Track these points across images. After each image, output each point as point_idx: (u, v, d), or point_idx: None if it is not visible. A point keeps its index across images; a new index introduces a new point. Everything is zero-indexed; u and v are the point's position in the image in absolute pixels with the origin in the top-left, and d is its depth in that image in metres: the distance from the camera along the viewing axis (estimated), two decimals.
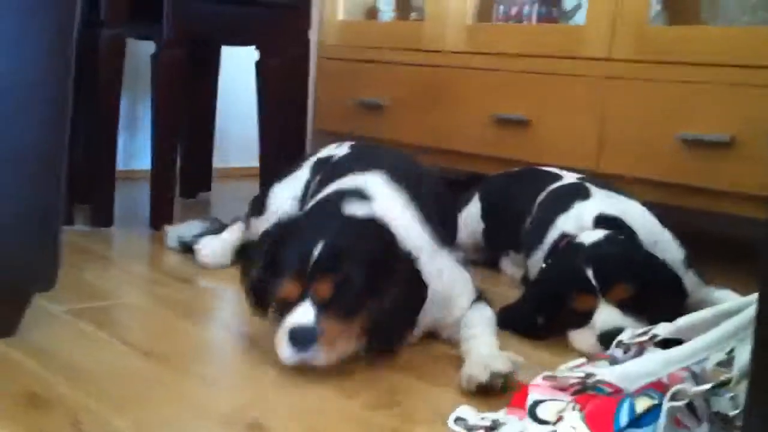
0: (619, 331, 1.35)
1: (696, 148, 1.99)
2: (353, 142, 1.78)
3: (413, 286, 1.24)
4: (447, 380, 1.24)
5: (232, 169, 3.12)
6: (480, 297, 1.42)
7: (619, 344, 1.05)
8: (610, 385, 0.90)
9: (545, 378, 0.92)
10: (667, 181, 2.06)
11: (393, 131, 2.72)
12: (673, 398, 0.84)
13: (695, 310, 1.53)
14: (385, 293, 1.21)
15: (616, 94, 2.16)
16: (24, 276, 1.26)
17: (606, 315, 1.39)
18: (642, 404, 0.84)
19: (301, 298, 1.17)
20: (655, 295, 1.40)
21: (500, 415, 0.93)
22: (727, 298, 1.60)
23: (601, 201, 1.62)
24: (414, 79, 2.67)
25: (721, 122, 1.95)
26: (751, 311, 0.87)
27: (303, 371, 1.20)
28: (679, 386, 0.85)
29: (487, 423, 0.92)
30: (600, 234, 1.49)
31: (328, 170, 1.56)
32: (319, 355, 1.16)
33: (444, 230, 1.45)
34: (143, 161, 2.52)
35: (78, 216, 2.15)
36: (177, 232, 1.95)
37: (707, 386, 0.84)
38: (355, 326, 1.20)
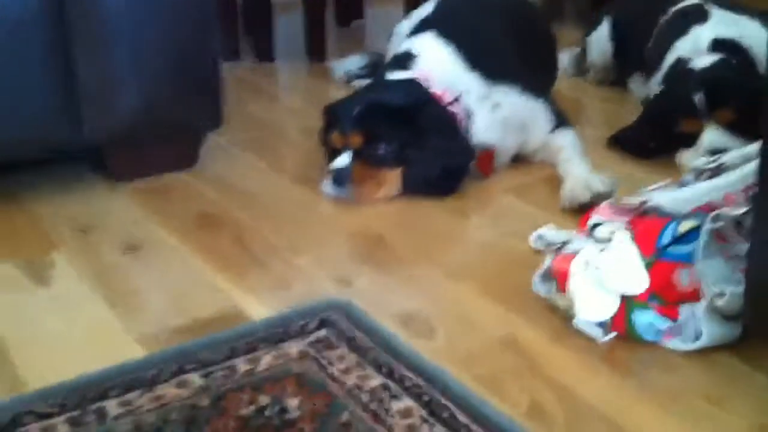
0: (723, 151, 1.47)
1: None
2: None
3: (445, 133, 1.42)
4: (548, 200, 1.42)
5: None
6: (563, 122, 1.56)
7: (694, 169, 1.17)
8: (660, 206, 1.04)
9: (608, 204, 1.08)
10: None
11: None
12: (713, 220, 0.98)
13: None
14: (422, 143, 1.40)
15: None
16: (194, 118, 1.53)
17: (712, 136, 1.49)
18: (685, 226, 0.99)
19: (342, 148, 1.41)
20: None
21: (572, 234, 1.10)
22: None
23: (718, 24, 1.66)
24: None
25: None
26: None
27: (427, 200, 1.42)
28: (718, 210, 0.99)
29: (562, 238, 1.10)
30: (711, 58, 1.56)
31: (420, 22, 1.70)
32: (352, 193, 1.40)
33: (518, 65, 1.58)
34: None
35: (244, 50, 2.40)
36: (343, 66, 2.16)
37: (741, 210, 0.97)
38: (388, 171, 1.41)
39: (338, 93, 2.07)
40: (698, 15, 1.70)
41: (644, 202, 1.04)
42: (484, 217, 1.39)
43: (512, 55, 1.61)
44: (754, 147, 1.14)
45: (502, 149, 1.53)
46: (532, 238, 1.17)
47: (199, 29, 1.49)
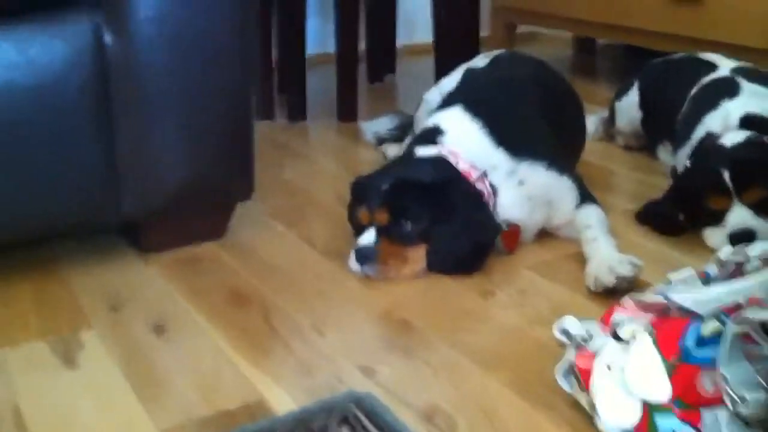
0: (748, 231, 1.47)
1: None
2: (498, 53, 1.92)
3: (470, 210, 1.43)
4: (572, 280, 1.42)
5: (417, 45, 3.27)
6: (588, 198, 1.57)
7: (718, 261, 1.17)
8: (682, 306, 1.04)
9: (632, 299, 1.08)
10: None
11: (571, 8, 2.75)
12: (738, 323, 0.98)
13: None
14: (448, 221, 1.41)
15: None
16: (225, 190, 1.56)
17: (738, 215, 1.49)
18: (709, 328, 0.99)
19: (368, 225, 1.43)
20: None
21: (594, 328, 1.10)
22: None
23: (749, 99, 1.66)
24: None
25: None
26: None
27: (450, 278, 1.43)
28: (744, 313, 0.98)
29: (585, 334, 1.10)
30: (741, 135, 1.56)
31: (448, 95, 1.73)
32: (377, 271, 1.42)
33: (544, 140, 1.60)
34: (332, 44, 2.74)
35: (278, 108, 2.44)
36: (373, 127, 2.19)
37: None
38: (413, 249, 1.43)
39: (369, 155, 2.11)
40: (728, 89, 1.70)
41: (668, 300, 1.04)
42: (510, 297, 1.39)
43: (539, 128, 1.63)
44: None
45: (527, 225, 1.53)
46: (556, 329, 1.17)
47: (238, 98, 1.51)
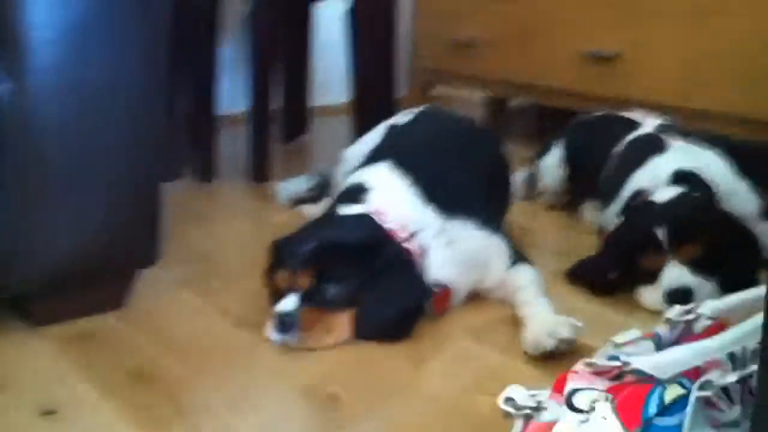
0: (685, 289, 1.41)
1: None
2: (420, 109, 1.85)
3: (399, 272, 1.33)
4: (508, 343, 1.32)
5: (330, 106, 3.20)
6: (520, 258, 1.49)
7: (667, 321, 1.09)
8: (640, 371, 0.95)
9: (585, 364, 0.99)
10: (759, 117, 2.02)
11: (486, 69, 2.74)
12: (701, 388, 0.89)
13: None
14: (376, 284, 1.31)
15: (709, 28, 2.10)
16: (128, 256, 1.41)
17: (673, 273, 1.43)
18: (671, 394, 0.90)
19: (289, 290, 1.31)
20: (727, 254, 1.42)
21: (544, 397, 1.00)
22: None
23: (677, 155, 1.63)
24: (507, 15, 2.68)
25: None
26: None
27: (378, 345, 1.31)
28: (707, 376, 0.90)
29: (534, 404, 1.00)
30: (673, 192, 1.51)
31: (371, 152, 1.65)
32: (299, 339, 1.29)
33: (474, 198, 1.52)
34: (243, 104, 2.63)
35: (186, 167, 2.30)
36: (288, 187, 2.08)
37: (733, 378, 0.89)
38: (339, 315, 1.31)
39: (284, 217, 1.99)
40: (655, 145, 1.67)
41: (624, 364, 0.95)
42: (443, 364, 1.28)
43: (468, 185, 1.55)
44: (734, 300, 1.07)
45: (458, 287, 1.44)
46: (501, 399, 1.06)
47: (142, 157, 1.37)
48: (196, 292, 1.54)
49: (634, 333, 1.09)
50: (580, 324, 1.28)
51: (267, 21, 2.25)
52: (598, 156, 1.84)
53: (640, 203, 1.54)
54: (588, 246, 1.75)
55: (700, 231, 1.43)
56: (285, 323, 1.30)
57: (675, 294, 1.40)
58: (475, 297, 1.48)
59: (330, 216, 1.43)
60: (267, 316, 1.35)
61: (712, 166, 1.61)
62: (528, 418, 0.99)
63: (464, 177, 1.56)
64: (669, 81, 2.19)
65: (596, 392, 0.93)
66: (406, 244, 1.37)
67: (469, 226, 1.44)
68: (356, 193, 1.46)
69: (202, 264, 1.70)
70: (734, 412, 0.93)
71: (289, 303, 1.31)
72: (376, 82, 2.53)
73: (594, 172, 1.84)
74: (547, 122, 2.35)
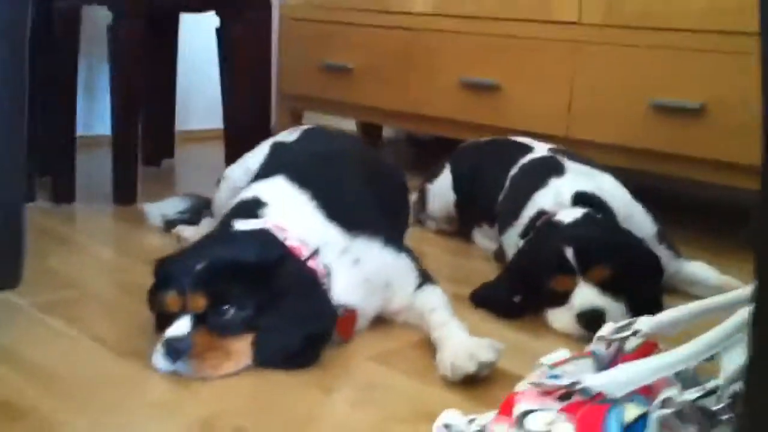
0: (597, 310, 1.37)
1: (667, 115, 1.98)
2: (306, 127, 1.75)
3: (303, 293, 1.22)
4: (422, 369, 1.24)
5: (195, 131, 3.07)
6: (428, 279, 1.41)
7: (600, 339, 1.04)
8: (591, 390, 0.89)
9: (531, 384, 0.91)
10: (637, 147, 2.06)
11: (361, 96, 2.68)
12: (662, 405, 0.84)
13: (668, 285, 1.55)
14: (277, 306, 1.19)
15: (587, 60, 2.13)
16: None
17: (584, 295, 1.39)
18: (631, 413, 0.84)
19: (180, 313, 1.17)
20: (633, 275, 1.40)
21: (487, 421, 0.91)
22: (699, 271, 1.61)
23: (577, 177, 1.61)
24: (382, 42, 2.61)
25: (692, 89, 1.94)
26: (737, 317, 0.87)
27: (283, 372, 1.19)
28: (667, 393, 0.84)
29: (476, 429, 0.91)
30: (578, 213, 1.48)
31: (261, 167, 1.55)
32: (191, 368, 1.15)
33: (376, 216, 1.44)
34: (104, 126, 2.46)
35: (39, 190, 2.09)
36: (160, 210, 1.91)
37: (696, 395, 0.84)
38: (236, 340, 1.18)
39: (154, 240, 1.84)
40: (554, 167, 1.64)
41: (574, 384, 0.88)
42: (356, 392, 1.17)
43: (369, 202, 1.46)
44: (668, 317, 1.03)
45: (363, 310, 1.33)
46: (436, 427, 0.96)
47: (5, 182, 1.19)
48: (65, 320, 1.36)
49: (562, 353, 1.04)
50: (501, 346, 1.21)
51: (129, 38, 2.09)
52: (491, 180, 1.80)
53: (545, 224, 1.50)
54: (481, 271, 1.71)
55: (609, 252, 1.40)
56: (176, 350, 1.15)
57: (587, 315, 1.36)
58: (379, 321, 1.39)
59: (224, 232, 1.30)
60: (152, 343, 1.20)
61: (610, 188, 1.60)
62: None
63: (363, 194, 1.47)
64: (548, 111, 2.20)
65: (550, 413, 0.85)
66: (309, 263, 1.26)
67: (375, 245, 1.35)
68: (251, 208, 1.33)
69: (67, 290, 1.52)
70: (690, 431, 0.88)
71: (180, 327, 1.16)
72: (251, 109, 2.41)
73: (487, 196, 1.80)
74: (421, 152, 2.31)
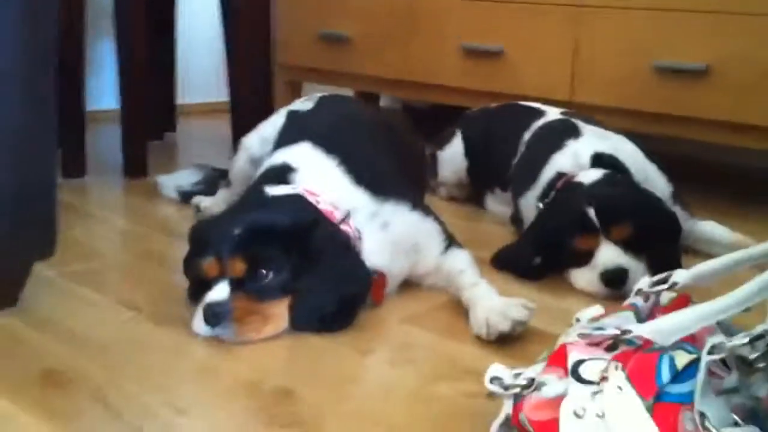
0: (620, 269, 1.39)
1: (671, 77, 2.00)
2: (319, 96, 1.76)
3: (338, 256, 1.23)
4: (454, 329, 1.26)
5: (195, 105, 3.06)
6: (454, 242, 1.42)
7: (639, 292, 1.06)
8: (641, 338, 0.91)
9: (580, 335, 0.93)
10: (641, 110, 2.08)
11: (360, 65, 2.67)
12: (710, 352, 0.86)
13: (682, 244, 1.58)
14: (314, 270, 1.20)
15: (590, 24, 2.14)
16: (25, 246, 1.22)
17: (608, 254, 1.41)
18: (681, 359, 0.86)
19: (218, 278, 1.18)
20: (654, 233, 1.42)
21: (536, 373, 0.94)
22: (711, 230, 1.64)
23: (594, 139, 1.62)
24: (381, 9, 2.60)
25: (696, 50, 1.96)
26: None
27: (319, 336, 1.21)
28: (715, 340, 0.87)
29: (524, 382, 0.93)
30: (599, 173, 1.50)
31: (279, 136, 1.56)
32: (232, 332, 1.16)
33: (401, 180, 1.45)
34: (110, 101, 2.46)
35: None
36: (174, 181, 1.92)
37: (745, 339, 0.86)
38: (275, 305, 1.19)
39: (170, 210, 1.85)
40: (570, 130, 1.66)
41: (624, 332, 0.91)
42: (394, 353, 1.19)
43: (392, 167, 1.47)
44: (704, 269, 1.05)
45: (392, 274, 1.35)
46: (487, 378, 0.98)
47: (39, 154, 1.21)
48: (96, 289, 1.37)
49: (597, 308, 1.06)
50: (533, 305, 1.23)
51: (133, 14, 2.09)
52: (504, 145, 1.82)
53: (565, 185, 1.52)
54: (496, 234, 1.73)
55: (631, 211, 1.42)
56: (216, 315, 1.16)
57: (611, 274, 1.38)
58: (407, 285, 1.41)
59: (257, 197, 1.31)
60: (184, 309, 1.22)
61: (626, 149, 1.62)
62: (518, 398, 0.92)
63: (386, 159, 1.48)
64: (552, 76, 2.22)
65: (604, 362, 0.87)
66: (342, 227, 1.28)
67: (402, 209, 1.36)
68: (281, 174, 1.34)
69: (90, 261, 1.53)
70: (732, 378, 0.90)
71: (219, 292, 1.18)
72: (254, 81, 2.41)
73: (500, 161, 1.82)
74: (418, 120, 2.31)
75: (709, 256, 1.28)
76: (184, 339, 1.19)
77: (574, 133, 1.64)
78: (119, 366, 1.10)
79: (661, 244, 1.43)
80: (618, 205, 1.42)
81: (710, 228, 1.64)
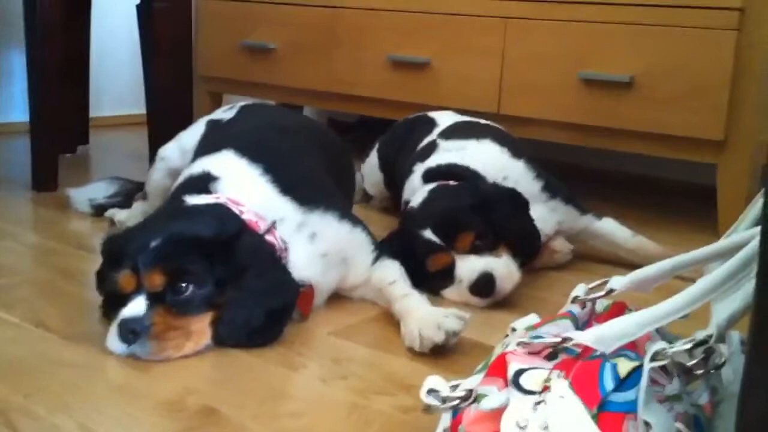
0: (483, 275, 1.37)
1: (597, 89, 2.01)
2: (242, 104, 1.71)
3: (264, 268, 1.18)
4: (387, 342, 1.22)
5: (110, 117, 2.96)
6: (383, 252, 1.38)
7: (575, 300, 1.04)
8: (581, 346, 0.89)
9: (520, 344, 0.90)
10: (568, 121, 2.08)
11: (284, 76, 2.62)
12: (653, 359, 0.84)
13: (577, 241, 1.58)
14: (238, 283, 1.15)
15: (517, 35, 2.14)
16: None
17: (464, 266, 1.38)
18: (624, 367, 0.83)
19: (134, 293, 1.12)
20: (496, 220, 1.40)
21: (474, 384, 0.90)
22: (609, 228, 1.63)
23: (440, 154, 1.59)
24: (305, 20, 2.56)
25: (621, 62, 1.97)
26: (724, 270, 0.88)
27: (244, 351, 1.15)
28: (656, 347, 0.85)
29: (462, 394, 0.89)
30: (424, 192, 1.48)
31: (199, 145, 1.52)
32: (150, 349, 1.10)
33: (328, 189, 1.42)
34: (20, 114, 2.35)
35: None
36: (85, 194, 1.83)
37: (687, 346, 0.84)
38: (197, 319, 1.13)
39: (83, 225, 1.76)
40: (430, 147, 1.64)
41: (566, 339, 0.88)
42: (325, 367, 1.14)
43: (319, 175, 1.42)
44: (641, 275, 1.04)
45: (321, 286, 1.30)
46: (423, 391, 0.94)
47: None
48: (4, 305, 1.28)
49: (532, 317, 1.03)
50: (468, 315, 1.19)
51: (46, 22, 1.99)
52: (406, 158, 1.77)
53: (406, 214, 1.49)
54: None
55: (463, 216, 1.39)
56: (132, 331, 1.09)
57: (477, 285, 1.36)
58: (335, 298, 1.36)
59: (176, 207, 1.24)
60: (98, 326, 1.15)
61: (477, 153, 1.58)
62: (456, 411, 0.89)
63: (313, 167, 1.43)
64: (479, 87, 2.21)
65: (545, 371, 0.84)
66: (267, 237, 1.22)
67: (330, 219, 1.31)
68: (202, 183, 1.28)
69: (2, 277, 1.43)
70: (674, 385, 0.89)
71: (136, 307, 1.11)
72: (173, 91, 2.32)
73: (400, 178, 1.77)
74: (344, 133, 2.28)
75: (635, 266, 1.27)
76: (98, 357, 1.11)
77: (426, 154, 1.62)
78: (28, 387, 1.02)
79: (509, 222, 1.41)
80: (451, 217, 1.39)
81: (609, 227, 1.63)
